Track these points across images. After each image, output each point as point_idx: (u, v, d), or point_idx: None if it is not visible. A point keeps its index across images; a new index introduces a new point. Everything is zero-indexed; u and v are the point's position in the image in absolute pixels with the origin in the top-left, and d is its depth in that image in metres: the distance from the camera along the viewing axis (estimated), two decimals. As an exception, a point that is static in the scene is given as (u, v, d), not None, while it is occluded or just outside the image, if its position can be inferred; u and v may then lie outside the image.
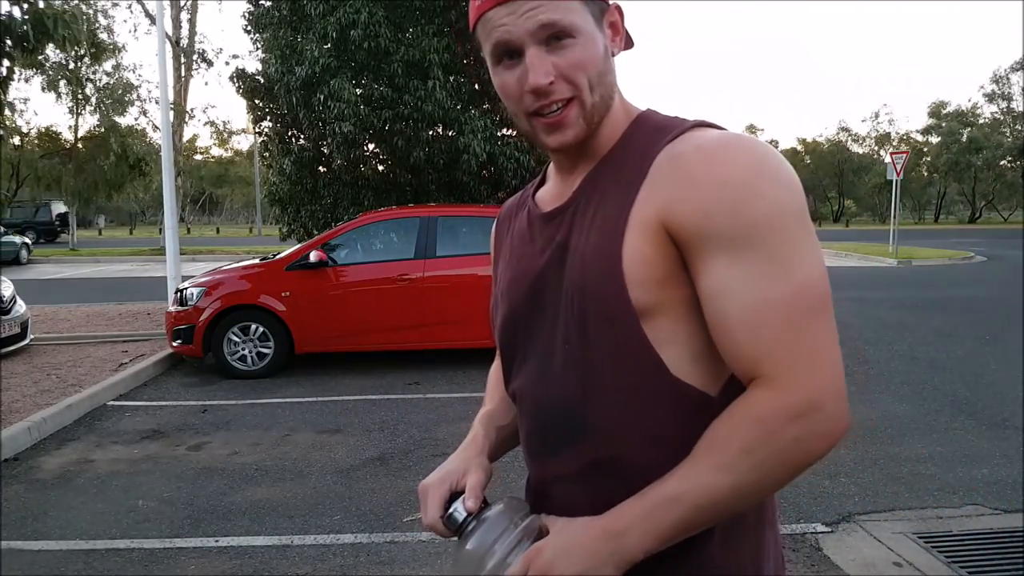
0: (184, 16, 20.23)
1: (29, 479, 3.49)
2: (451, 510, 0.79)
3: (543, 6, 0.70)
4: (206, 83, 71.19)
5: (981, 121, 43.41)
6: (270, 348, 5.57)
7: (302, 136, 8.40)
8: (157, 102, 12.71)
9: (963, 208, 51.43)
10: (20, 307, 6.21)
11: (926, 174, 46.12)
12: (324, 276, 5.61)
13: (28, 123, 21.42)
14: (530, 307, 0.82)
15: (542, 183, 0.90)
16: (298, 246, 6.01)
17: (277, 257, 5.94)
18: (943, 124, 43.56)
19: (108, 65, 18.98)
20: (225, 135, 47.03)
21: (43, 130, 20.95)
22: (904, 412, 4.42)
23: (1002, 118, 43.08)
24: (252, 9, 8.56)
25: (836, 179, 49.32)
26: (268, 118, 8.68)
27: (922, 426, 4.14)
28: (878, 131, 49.56)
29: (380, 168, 8.61)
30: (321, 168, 8.57)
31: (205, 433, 4.19)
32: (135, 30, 45.94)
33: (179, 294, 5.70)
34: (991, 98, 43.54)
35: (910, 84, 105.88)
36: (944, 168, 42.81)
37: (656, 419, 0.72)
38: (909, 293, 10.34)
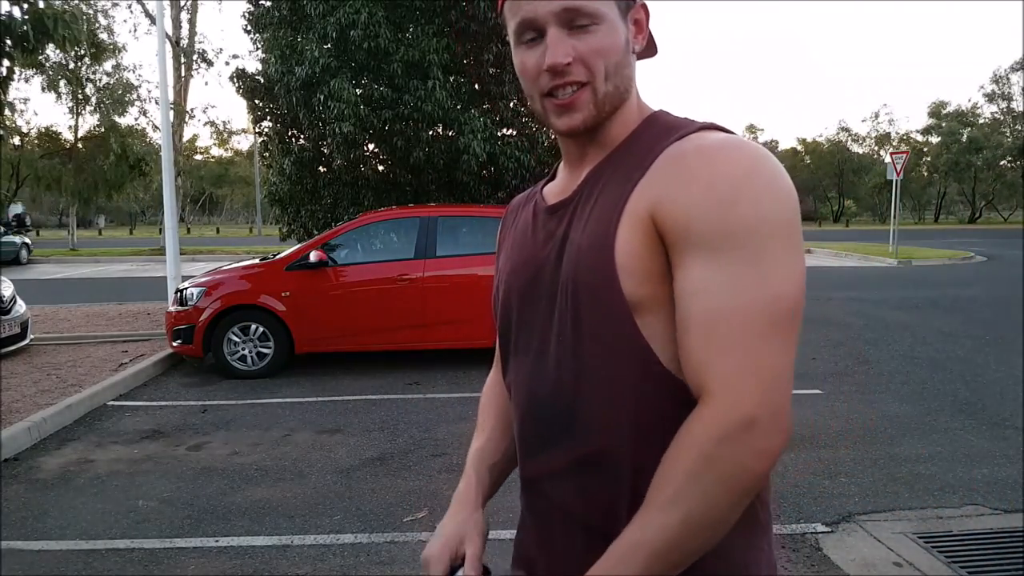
0: (184, 16, 20.23)
1: (29, 479, 3.49)
2: None
3: None
4: (206, 83, 71.23)
5: (981, 121, 43.43)
6: (270, 348, 5.57)
7: (302, 136, 8.40)
8: (157, 102, 12.71)
9: (963, 208, 51.43)
10: (20, 307, 6.21)
11: (926, 174, 46.14)
12: (324, 276, 5.61)
13: (28, 123, 21.45)
14: (527, 299, 0.82)
15: (552, 178, 0.91)
16: (298, 246, 6.00)
17: (277, 257, 5.94)
18: (943, 124, 43.58)
19: (108, 65, 18.99)
20: (225, 135, 47.05)
21: (43, 130, 20.95)
22: (904, 412, 4.42)
23: (1002, 118, 43.10)
24: (252, 9, 8.56)
25: (836, 179, 49.36)
26: (268, 118, 8.67)
27: (922, 426, 4.14)
28: (878, 131, 49.64)
29: (380, 168, 8.61)
30: (321, 168, 8.57)
31: (205, 433, 4.19)
32: (135, 30, 45.88)
33: (179, 294, 5.70)
34: (991, 98, 43.56)
35: (910, 84, 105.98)
36: (944, 168, 42.83)
37: (648, 415, 0.72)
38: (909, 293, 10.34)
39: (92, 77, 18.44)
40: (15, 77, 6.58)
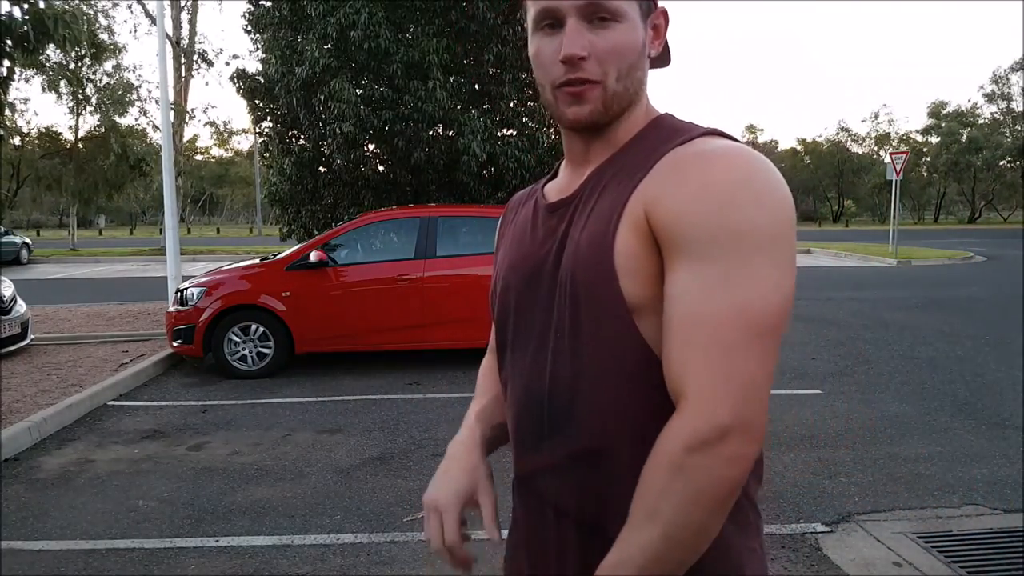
0: (184, 16, 20.24)
1: (29, 479, 3.49)
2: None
3: None
4: (206, 83, 71.17)
5: (981, 121, 43.42)
6: (270, 348, 5.57)
7: (302, 136, 8.40)
8: (157, 102, 12.70)
9: (963, 208, 51.43)
10: (20, 307, 6.21)
11: (926, 174, 46.14)
12: (324, 276, 5.61)
13: (28, 123, 21.43)
14: (525, 296, 0.82)
15: (553, 177, 0.91)
16: (298, 246, 6.00)
17: (277, 257, 5.94)
18: (943, 124, 43.57)
19: (108, 65, 18.94)
20: (225, 135, 47.04)
21: (43, 130, 20.93)
22: (904, 412, 4.42)
23: (1002, 118, 43.08)
24: (252, 9, 8.55)
25: (836, 179, 49.36)
26: (268, 118, 8.67)
27: (922, 426, 4.14)
28: (878, 131, 49.63)
29: (380, 168, 8.61)
30: (321, 168, 8.57)
31: (205, 433, 4.19)
32: (135, 30, 45.96)
33: (179, 294, 5.70)
34: (991, 98, 43.55)
35: (910, 84, 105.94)
36: (944, 168, 42.83)
37: (645, 414, 0.72)
38: (909, 293, 10.34)
39: (92, 77, 18.42)
40: (15, 77, 6.59)
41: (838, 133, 50.29)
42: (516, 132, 8.14)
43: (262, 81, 8.22)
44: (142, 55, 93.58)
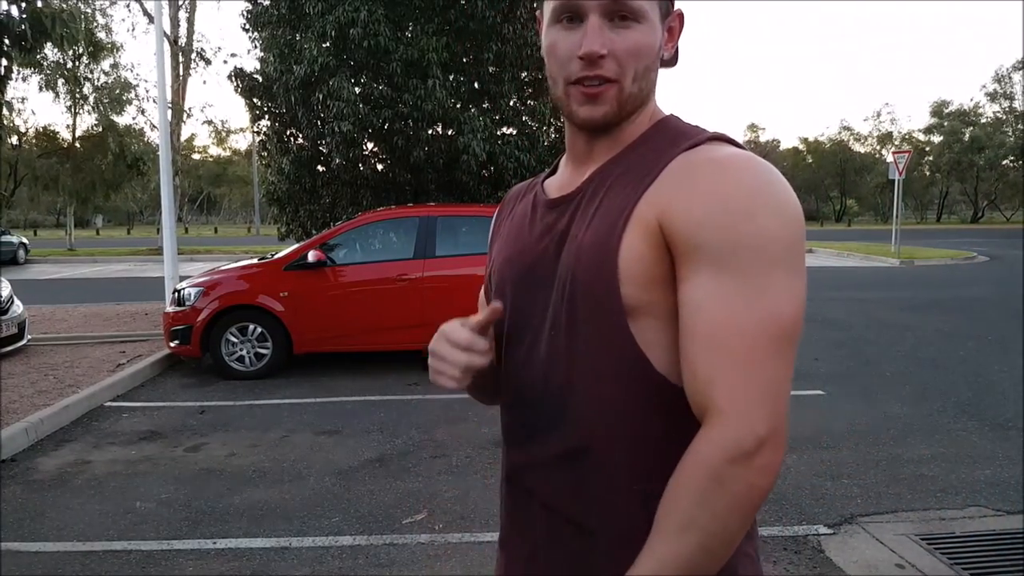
0: (182, 15, 20.19)
1: (26, 480, 3.47)
2: None
3: None
4: (204, 82, 70.99)
5: (983, 120, 43.39)
6: (268, 348, 5.55)
7: (301, 135, 8.37)
8: (155, 101, 12.70)
9: (965, 208, 51.44)
10: (17, 307, 6.19)
11: (928, 173, 46.11)
12: (323, 276, 5.59)
13: (26, 122, 21.32)
14: (521, 290, 0.82)
15: (553, 172, 0.90)
16: (296, 246, 5.98)
17: (275, 257, 5.92)
18: (945, 123, 43.54)
19: (106, 64, 18.93)
20: (223, 134, 47.03)
21: (41, 129, 20.92)
22: (906, 413, 4.41)
23: (1004, 117, 43.03)
24: (250, 8, 8.52)
25: (838, 178, 49.32)
26: (266, 117, 8.64)
27: (924, 427, 4.12)
28: (880, 130, 49.60)
29: (379, 167, 8.58)
30: (320, 167, 8.54)
31: (203, 434, 4.17)
32: (133, 29, 45.91)
33: (177, 294, 5.68)
34: (993, 97, 43.51)
35: (912, 83, 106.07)
36: (946, 168, 42.80)
37: (638, 416, 0.73)
38: (911, 293, 10.32)
39: (90, 76, 18.40)
40: (13, 76, 6.56)
41: (840, 132, 50.23)
42: (516, 131, 8.12)
43: (260, 80, 8.19)
44: (140, 54, 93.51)
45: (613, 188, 0.76)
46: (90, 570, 2.58)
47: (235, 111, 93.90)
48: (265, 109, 8.48)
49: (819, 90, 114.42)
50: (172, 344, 5.60)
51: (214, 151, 53.30)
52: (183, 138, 25.19)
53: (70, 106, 18.96)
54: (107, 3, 19.44)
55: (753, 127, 60.92)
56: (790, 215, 0.68)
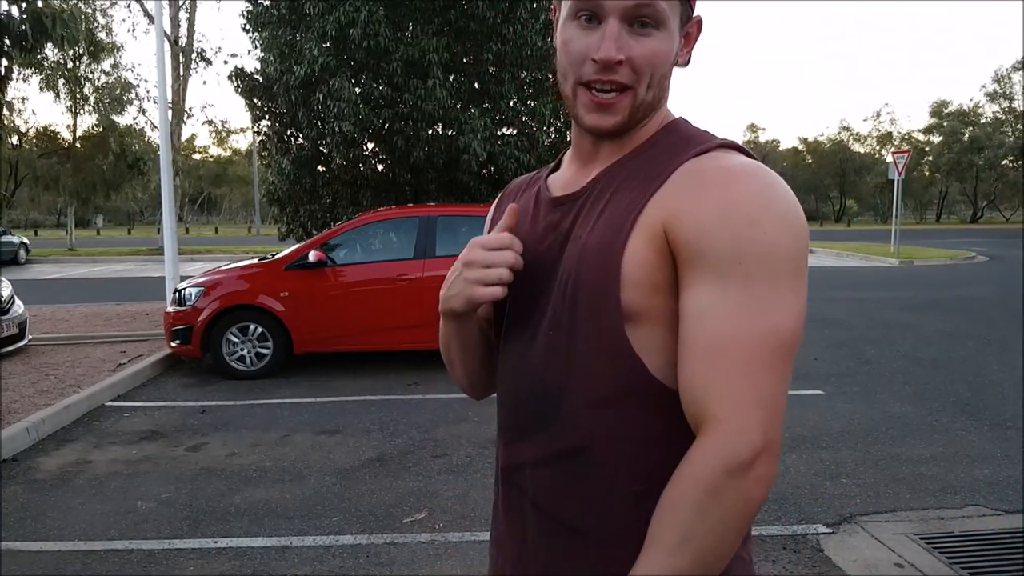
0: (183, 15, 20.19)
1: (27, 480, 3.48)
2: None
3: None
4: (204, 82, 70.96)
5: (983, 120, 43.38)
6: (269, 348, 5.55)
7: (301, 135, 8.38)
8: (155, 101, 12.69)
9: (965, 208, 51.43)
10: (18, 307, 6.20)
11: (928, 174, 46.11)
12: (323, 276, 5.59)
13: (26, 122, 21.35)
14: (521, 288, 0.81)
15: (556, 168, 0.89)
16: (297, 246, 5.98)
17: (276, 257, 5.93)
18: (945, 123, 43.54)
19: (106, 64, 18.95)
20: (223, 134, 47.04)
21: (41, 129, 20.94)
22: (905, 412, 4.41)
23: (1004, 117, 43.03)
24: (251, 8, 8.53)
25: (838, 178, 49.32)
26: (267, 117, 8.65)
27: (924, 427, 4.13)
28: (880, 130, 49.64)
29: (379, 168, 8.59)
30: (320, 167, 8.55)
31: (204, 434, 4.18)
32: (134, 29, 45.88)
33: (177, 294, 5.68)
34: (993, 97, 43.51)
35: (912, 83, 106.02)
36: (946, 168, 42.79)
37: (632, 419, 0.73)
38: (911, 293, 10.33)
39: (90, 76, 18.40)
40: (13, 76, 6.57)
41: (840, 132, 50.27)
42: (516, 131, 8.13)
43: (260, 80, 8.20)
44: (140, 54, 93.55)
45: (620, 191, 0.75)
46: (91, 569, 2.59)
47: (235, 111, 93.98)
48: (265, 109, 8.49)
49: (819, 90, 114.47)
50: (173, 344, 5.61)
51: (214, 151, 53.36)
52: (184, 138, 25.19)
53: (70, 106, 18.98)
54: (107, 3, 19.46)
55: (753, 127, 60.95)
56: (796, 228, 0.68)
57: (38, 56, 9.27)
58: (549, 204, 0.82)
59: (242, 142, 51.61)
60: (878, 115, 65.47)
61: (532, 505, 0.80)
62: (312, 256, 5.53)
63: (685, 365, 0.68)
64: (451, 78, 7.72)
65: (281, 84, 7.61)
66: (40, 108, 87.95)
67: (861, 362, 5.83)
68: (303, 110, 7.72)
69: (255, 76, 8.30)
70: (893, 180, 16.85)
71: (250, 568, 2.59)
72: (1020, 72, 41.68)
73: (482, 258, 0.76)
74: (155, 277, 13.36)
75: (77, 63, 17.21)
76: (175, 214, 7.16)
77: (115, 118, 18.74)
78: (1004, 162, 41.53)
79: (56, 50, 13.27)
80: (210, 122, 29.05)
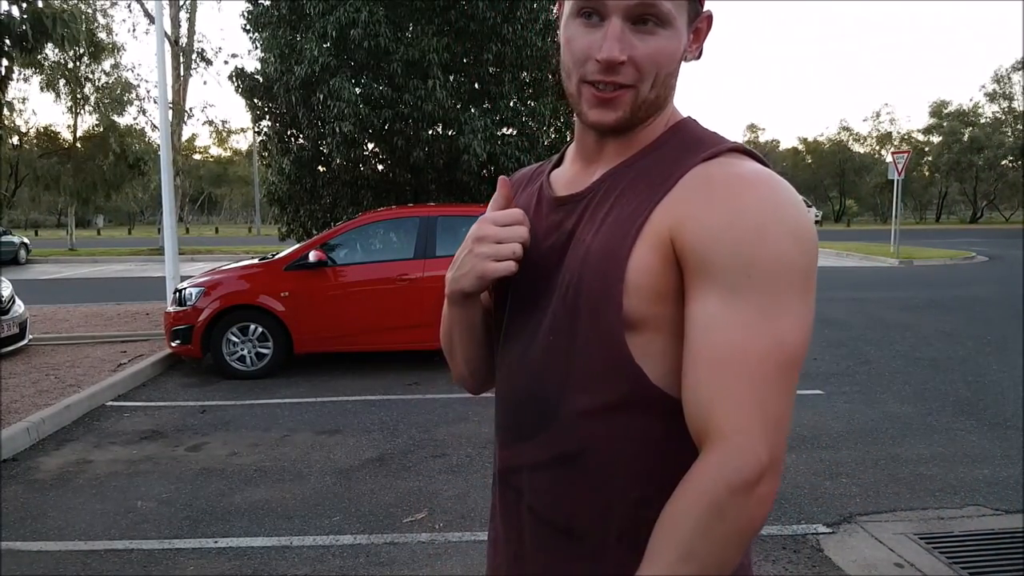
0: (183, 15, 20.22)
1: (28, 480, 3.48)
2: None
3: None
4: (204, 82, 71.04)
5: (983, 121, 43.34)
6: (269, 348, 5.56)
7: (301, 135, 8.38)
8: (156, 101, 12.69)
9: (964, 208, 51.40)
10: (19, 307, 6.20)
11: (927, 174, 46.08)
12: (323, 276, 5.59)
13: (27, 122, 21.34)
14: (521, 287, 0.80)
15: (559, 163, 0.88)
16: (297, 246, 5.99)
17: (276, 257, 5.93)
18: (944, 124, 43.50)
19: (107, 64, 18.91)
20: (224, 134, 47.05)
21: (42, 129, 20.91)
22: (905, 412, 4.41)
23: (1003, 118, 42.99)
24: (251, 8, 8.54)
25: (837, 179, 49.30)
26: (267, 117, 8.65)
27: (923, 426, 4.13)
28: (879, 130, 49.58)
29: (380, 168, 8.60)
30: (320, 168, 8.55)
31: (204, 434, 4.18)
32: (134, 29, 45.90)
33: (178, 294, 5.69)
34: (992, 98, 43.48)
35: (911, 83, 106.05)
36: (945, 168, 42.76)
37: (630, 425, 0.71)
38: (910, 293, 10.33)
39: (91, 76, 18.38)
40: (14, 76, 6.58)
41: (840, 132, 50.21)
42: (516, 132, 8.13)
43: (261, 80, 8.20)
44: (141, 54, 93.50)
45: (625, 194, 0.73)
46: (92, 569, 2.59)
47: (236, 111, 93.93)
48: (266, 109, 8.50)
49: (819, 90, 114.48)
50: (173, 344, 5.61)
51: (215, 151, 53.35)
52: (184, 138, 25.21)
53: (71, 106, 18.96)
54: (108, 3, 19.47)
55: (753, 127, 60.92)
56: (806, 239, 0.66)
57: (38, 56, 9.27)
58: (551, 203, 0.81)
59: (242, 142, 51.62)
60: (878, 115, 65.36)
61: (528, 507, 0.79)
62: (312, 256, 5.53)
63: (689, 376, 0.66)
64: (451, 78, 7.72)
65: (281, 84, 7.62)
66: (40, 108, 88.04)
67: (861, 362, 5.84)
68: (303, 110, 7.73)
69: (255, 76, 8.30)
70: (893, 180, 16.85)
71: (250, 568, 2.59)
72: (1020, 72, 41.66)
73: (494, 233, 0.75)
74: (155, 277, 13.37)
75: (77, 63, 17.21)
76: (175, 214, 7.16)
77: (115, 118, 18.72)
78: (1004, 162, 41.51)
79: (56, 50, 13.27)
80: (210, 122, 29.03)
